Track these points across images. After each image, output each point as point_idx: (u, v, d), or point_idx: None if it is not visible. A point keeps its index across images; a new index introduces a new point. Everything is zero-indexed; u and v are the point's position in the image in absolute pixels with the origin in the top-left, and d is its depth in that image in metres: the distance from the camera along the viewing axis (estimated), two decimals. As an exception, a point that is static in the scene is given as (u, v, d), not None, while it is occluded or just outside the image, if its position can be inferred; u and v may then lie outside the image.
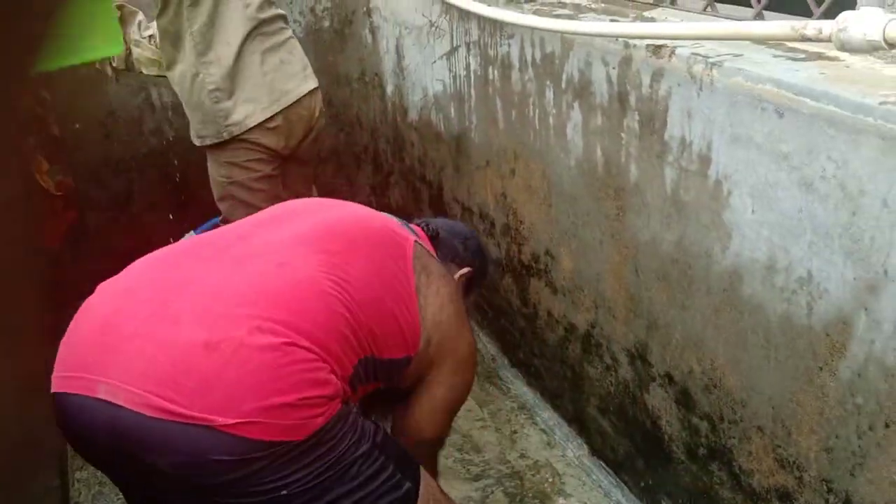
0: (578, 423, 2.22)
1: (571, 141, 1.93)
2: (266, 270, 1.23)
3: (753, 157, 1.41)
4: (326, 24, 3.18)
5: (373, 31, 3.19)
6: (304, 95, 2.34)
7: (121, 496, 2.07)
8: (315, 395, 1.14)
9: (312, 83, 2.38)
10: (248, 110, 2.23)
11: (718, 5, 1.76)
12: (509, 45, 2.14)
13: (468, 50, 2.39)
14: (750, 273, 1.47)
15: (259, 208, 2.35)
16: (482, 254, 1.84)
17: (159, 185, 2.87)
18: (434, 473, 1.60)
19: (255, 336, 1.11)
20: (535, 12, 2.05)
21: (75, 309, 1.25)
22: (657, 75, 1.60)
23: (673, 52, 1.56)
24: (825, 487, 1.40)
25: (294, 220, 1.42)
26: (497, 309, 2.62)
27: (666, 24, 1.65)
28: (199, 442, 1.06)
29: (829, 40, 1.17)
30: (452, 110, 2.60)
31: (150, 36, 2.46)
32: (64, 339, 1.20)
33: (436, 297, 1.48)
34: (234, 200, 2.34)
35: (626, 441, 2.01)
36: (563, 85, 1.91)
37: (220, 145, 2.27)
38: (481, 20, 2.26)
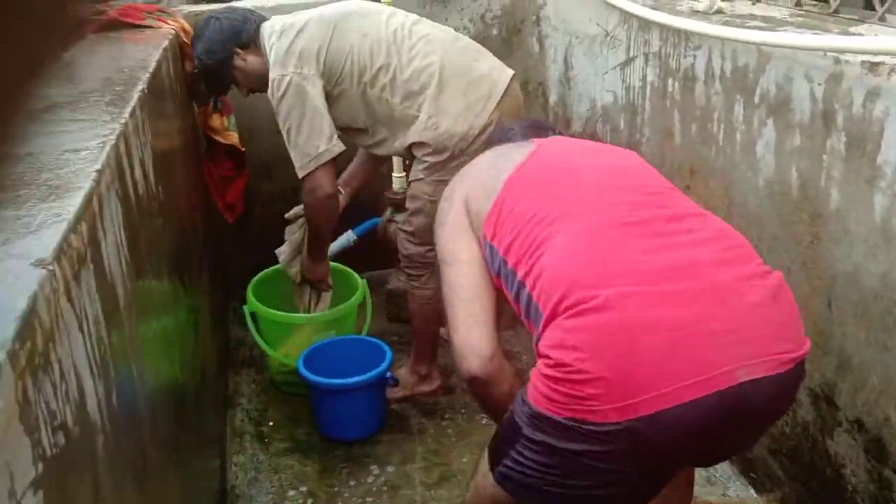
0: (744, 461, 2.09)
1: (762, 159, 1.81)
2: (706, 228, 1.31)
3: None
4: (494, 32, 3.17)
5: (540, 41, 3.15)
6: (510, 81, 2.29)
7: (275, 483, 2.12)
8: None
9: (510, 70, 2.35)
10: (469, 120, 2.20)
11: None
12: (695, 57, 2.04)
13: (646, 61, 2.31)
14: (975, 316, 1.32)
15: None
16: None
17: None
18: None
19: (772, 275, 1.26)
20: (725, 24, 1.94)
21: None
22: (872, 94, 1.47)
23: (894, 70, 1.43)
24: None
25: (620, 175, 1.44)
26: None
27: (892, 38, 1.52)
28: (802, 368, 1.23)
29: None
30: (622, 122, 2.52)
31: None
32: (627, 361, 1.12)
33: None
34: (424, 218, 2.27)
35: (798, 486, 1.86)
36: (757, 100, 1.80)
37: (440, 163, 2.22)
38: (664, 30, 2.18)
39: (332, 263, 2.72)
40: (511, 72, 2.33)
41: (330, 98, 2.25)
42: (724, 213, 1.99)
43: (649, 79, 2.31)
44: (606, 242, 1.24)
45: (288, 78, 2.19)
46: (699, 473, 2.13)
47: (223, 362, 2.53)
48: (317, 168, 2.22)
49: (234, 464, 2.20)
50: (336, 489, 2.11)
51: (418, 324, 2.45)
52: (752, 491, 2.04)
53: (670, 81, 2.19)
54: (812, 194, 1.66)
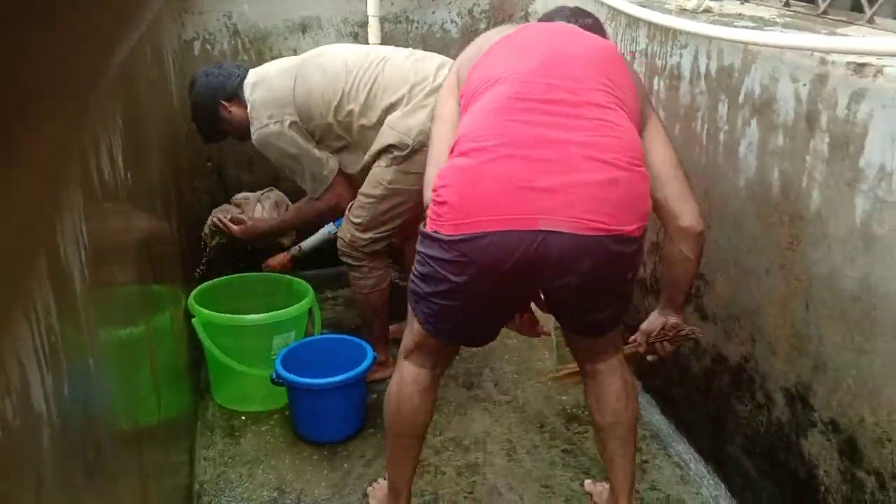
0: (717, 460, 2.08)
1: (744, 160, 1.80)
2: (596, 118, 1.51)
3: (969, 193, 1.25)
4: (482, 26, 3.14)
5: (527, 35, 3.12)
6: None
7: (244, 477, 2.10)
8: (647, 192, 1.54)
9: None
10: (427, 114, 2.21)
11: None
12: (681, 56, 2.03)
13: (632, 58, 2.29)
14: (951, 322, 1.31)
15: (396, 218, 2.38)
16: None
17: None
18: None
19: (631, 171, 1.48)
20: (713, 22, 1.92)
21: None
22: (857, 96, 1.46)
23: (880, 72, 1.41)
24: None
25: (566, 60, 1.60)
26: (635, 330, 2.49)
27: (882, 39, 1.50)
28: (616, 245, 1.47)
29: None
30: (607, 120, 2.50)
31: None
32: (467, 194, 1.46)
33: None
34: (376, 206, 2.35)
35: (771, 486, 1.86)
36: (741, 100, 1.78)
37: (405, 157, 2.27)
38: (651, 28, 2.16)
39: (275, 274, 2.70)
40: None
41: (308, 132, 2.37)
42: (704, 215, 1.98)
43: (634, 75, 2.28)
44: (505, 110, 1.52)
45: (267, 128, 2.33)
46: (673, 472, 2.13)
47: (197, 353, 2.49)
48: (331, 184, 2.39)
49: (204, 458, 2.17)
50: (306, 486, 2.08)
51: (367, 315, 2.50)
52: (725, 489, 2.03)
53: (656, 80, 2.17)
54: (793, 196, 1.65)
